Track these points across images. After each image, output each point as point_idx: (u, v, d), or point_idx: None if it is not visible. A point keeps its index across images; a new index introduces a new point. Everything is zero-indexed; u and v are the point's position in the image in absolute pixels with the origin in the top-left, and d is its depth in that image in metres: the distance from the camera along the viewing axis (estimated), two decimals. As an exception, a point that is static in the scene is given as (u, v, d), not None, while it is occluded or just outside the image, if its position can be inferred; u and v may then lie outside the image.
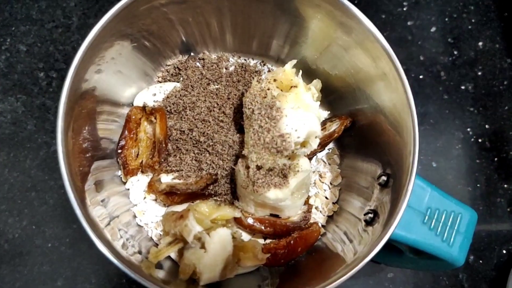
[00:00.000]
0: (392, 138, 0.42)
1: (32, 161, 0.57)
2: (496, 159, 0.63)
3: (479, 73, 0.66)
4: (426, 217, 0.39)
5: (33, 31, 0.61)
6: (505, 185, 0.62)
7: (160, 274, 0.40)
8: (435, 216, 0.39)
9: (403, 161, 0.39)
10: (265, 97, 0.44)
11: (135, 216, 0.46)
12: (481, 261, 0.60)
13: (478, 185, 0.62)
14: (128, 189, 0.47)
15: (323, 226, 0.48)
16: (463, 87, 0.65)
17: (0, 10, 0.62)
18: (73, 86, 0.37)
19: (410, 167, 0.37)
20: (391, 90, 0.41)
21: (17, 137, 0.58)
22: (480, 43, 0.67)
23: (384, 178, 0.41)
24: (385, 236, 0.37)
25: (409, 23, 0.67)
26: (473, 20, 0.68)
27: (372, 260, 0.43)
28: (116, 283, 0.55)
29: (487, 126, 0.64)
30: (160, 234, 0.46)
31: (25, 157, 0.57)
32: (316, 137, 0.42)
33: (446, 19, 0.68)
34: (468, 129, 0.64)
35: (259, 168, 0.42)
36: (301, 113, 0.41)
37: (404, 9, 0.68)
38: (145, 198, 0.47)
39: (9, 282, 0.54)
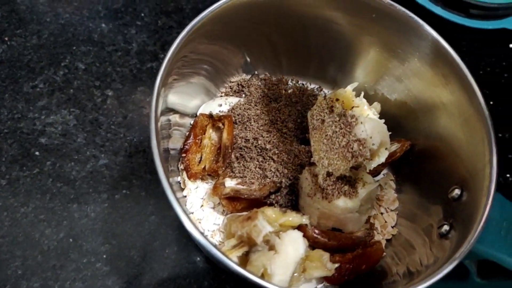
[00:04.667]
0: (461, 154, 0.43)
1: (78, 173, 0.56)
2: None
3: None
4: (503, 231, 0.38)
5: (93, 52, 0.64)
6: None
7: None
8: (512, 230, 0.38)
9: (476, 175, 0.39)
10: (332, 111, 0.45)
11: (190, 224, 0.44)
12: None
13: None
14: (185, 196, 0.46)
15: (382, 249, 0.47)
16: None
17: (64, 30, 0.65)
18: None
19: (488, 176, 0.37)
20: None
21: (65, 148, 0.57)
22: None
23: (457, 191, 0.41)
24: (464, 248, 0.35)
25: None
26: None
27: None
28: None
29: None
30: (217, 244, 0.44)
31: (71, 169, 0.56)
32: (386, 148, 0.42)
33: None
34: None
35: (329, 175, 0.41)
36: (375, 122, 0.41)
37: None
38: (202, 206, 0.45)
39: (38, 297, 0.50)
